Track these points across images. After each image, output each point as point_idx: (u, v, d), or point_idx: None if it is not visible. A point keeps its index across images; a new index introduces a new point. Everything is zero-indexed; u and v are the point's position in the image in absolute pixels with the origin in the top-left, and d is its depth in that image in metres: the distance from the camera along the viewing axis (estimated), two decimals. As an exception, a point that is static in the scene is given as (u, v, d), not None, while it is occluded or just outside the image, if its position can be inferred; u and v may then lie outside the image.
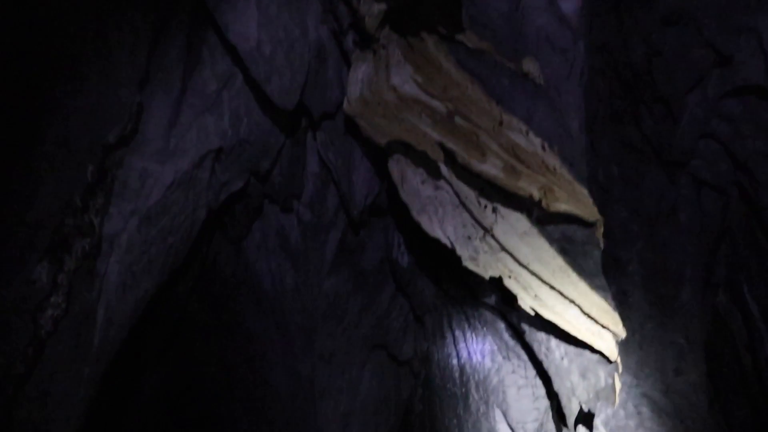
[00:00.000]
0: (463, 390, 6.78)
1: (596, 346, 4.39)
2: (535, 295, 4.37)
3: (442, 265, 6.23)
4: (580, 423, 5.18)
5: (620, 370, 4.46)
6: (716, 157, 5.09)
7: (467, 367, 6.64)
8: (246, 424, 6.72)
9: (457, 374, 6.85)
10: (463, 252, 4.50)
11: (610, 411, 4.95)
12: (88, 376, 4.34)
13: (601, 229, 4.19)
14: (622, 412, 4.98)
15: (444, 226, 4.59)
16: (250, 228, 6.19)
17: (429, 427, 7.31)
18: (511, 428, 6.15)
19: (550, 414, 5.80)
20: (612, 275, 4.95)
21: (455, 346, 6.78)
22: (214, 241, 6.39)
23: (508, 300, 4.78)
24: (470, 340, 6.50)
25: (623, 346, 4.67)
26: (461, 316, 6.52)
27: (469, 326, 6.45)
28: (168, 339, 6.59)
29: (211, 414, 7.05)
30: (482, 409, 6.53)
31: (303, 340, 6.32)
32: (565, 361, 4.85)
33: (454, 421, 6.92)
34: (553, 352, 4.95)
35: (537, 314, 4.41)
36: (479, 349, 6.40)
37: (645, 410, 5.01)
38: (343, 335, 6.49)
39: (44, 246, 3.87)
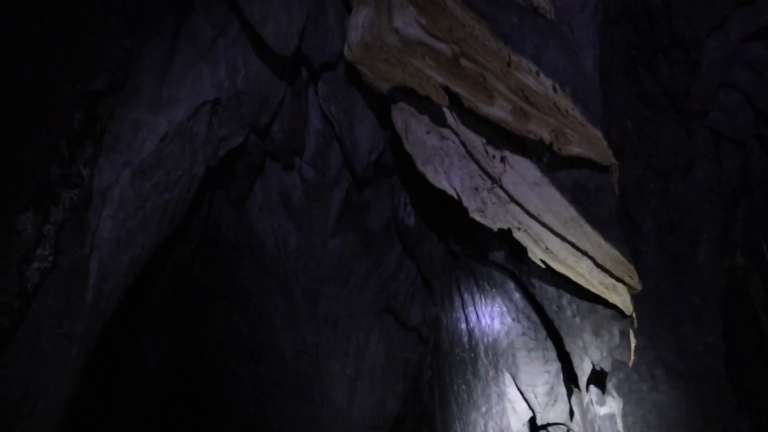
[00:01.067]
0: (472, 354, 6.52)
1: (610, 300, 4.12)
2: (546, 248, 4.09)
3: (450, 224, 5.97)
4: (592, 384, 4.93)
5: (636, 324, 4.18)
6: (737, 108, 4.79)
7: (476, 330, 6.38)
8: (252, 388, 6.52)
9: (465, 339, 6.59)
10: (470, 203, 4.23)
11: (622, 374, 4.71)
12: (81, 334, 4.11)
13: (617, 174, 3.90)
14: (635, 376, 4.73)
15: (450, 176, 4.31)
16: (251, 188, 5.93)
17: (438, 394, 7.08)
18: (521, 392, 5.89)
19: (561, 376, 5.54)
20: (626, 234, 4.68)
21: (464, 310, 6.52)
22: (216, 203, 6.14)
23: (518, 254, 4.51)
24: (479, 303, 6.24)
25: (636, 307, 4.41)
26: (470, 279, 6.25)
27: (477, 288, 6.18)
28: (172, 304, 6.37)
29: (216, 379, 6.86)
30: (491, 373, 6.28)
31: (307, 303, 6.09)
32: (577, 319, 4.58)
33: (463, 386, 6.68)
34: (565, 310, 4.69)
35: (548, 267, 4.14)
36: (488, 312, 6.14)
37: (659, 373, 4.75)
38: (348, 298, 6.26)
39: (29, 195, 3.63)
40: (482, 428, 6.46)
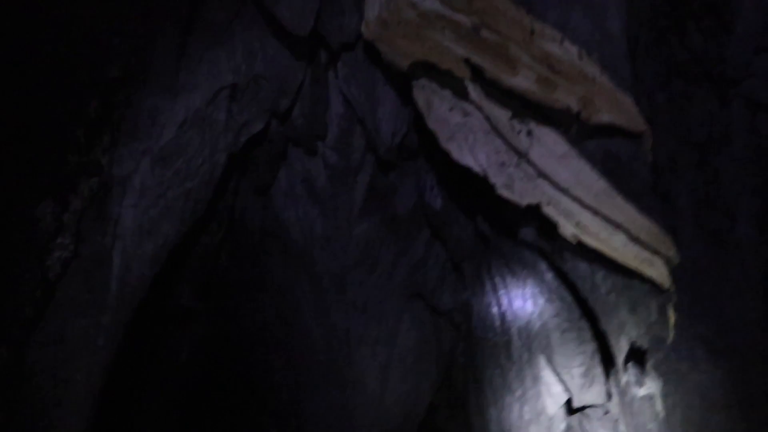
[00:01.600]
0: (505, 338, 6.35)
1: (647, 275, 3.91)
2: (577, 222, 3.90)
3: (478, 205, 5.79)
4: (629, 363, 4.72)
5: (674, 299, 3.97)
6: (775, 74, 4.52)
7: (508, 314, 6.20)
8: (284, 376, 6.44)
9: (497, 323, 6.42)
10: (497, 179, 4.05)
11: (661, 354, 4.49)
12: (108, 323, 4.06)
13: (650, 141, 3.68)
14: (674, 355, 4.50)
15: (475, 153, 4.13)
16: (275, 176, 5.82)
17: (472, 380, 6.91)
18: (557, 374, 5.70)
19: (597, 357, 5.34)
20: (660, 211, 4.47)
21: (495, 294, 6.34)
22: (241, 193, 6.05)
23: (548, 231, 4.32)
24: (510, 286, 6.05)
25: (674, 283, 4.20)
26: (500, 261, 6.07)
27: (508, 271, 6.00)
28: (201, 295, 6.32)
29: (248, 370, 6.80)
30: (525, 356, 6.10)
31: (335, 290, 5.98)
32: (613, 296, 4.37)
33: (497, 371, 6.50)
34: (599, 287, 4.48)
35: (580, 243, 3.94)
36: (520, 294, 5.95)
37: (699, 352, 4.51)
38: (377, 284, 6.12)
39: (46, 184, 3.57)
40: (517, 412, 6.28)
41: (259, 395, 7.06)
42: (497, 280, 6.24)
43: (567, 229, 3.94)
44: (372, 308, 6.14)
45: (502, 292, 6.23)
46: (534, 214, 4.16)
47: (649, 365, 4.54)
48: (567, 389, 5.65)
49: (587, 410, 5.59)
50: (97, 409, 4.09)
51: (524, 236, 5.15)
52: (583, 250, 4.15)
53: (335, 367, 6.14)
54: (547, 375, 5.87)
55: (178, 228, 4.66)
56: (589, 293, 4.64)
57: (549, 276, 5.46)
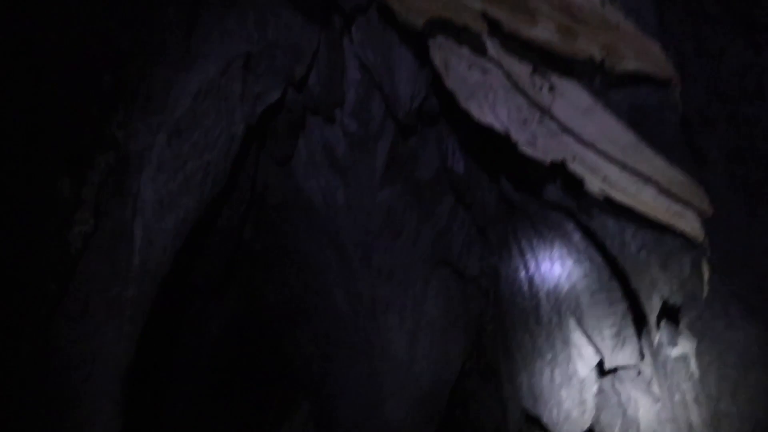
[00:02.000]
0: (534, 302, 6.23)
1: (678, 228, 3.74)
2: (604, 177, 3.74)
3: (502, 167, 5.64)
4: (662, 322, 4.57)
5: (708, 253, 3.80)
6: (812, 17, 4.26)
7: (536, 277, 6.07)
8: (313, 348, 6.41)
9: (525, 287, 6.29)
10: (520, 136, 3.89)
11: (695, 312, 4.33)
12: (132, 298, 4.03)
13: (679, 89, 3.49)
14: (708, 313, 4.33)
15: (496, 111, 3.98)
16: (295, 146, 5.72)
17: (501, 346, 6.82)
18: (587, 336, 5.58)
19: (629, 317, 5.20)
20: (691, 162, 4.27)
21: (522, 258, 6.21)
22: (263, 166, 5.97)
23: (574, 189, 4.17)
24: (537, 249, 5.91)
25: (707, 239, 4.02)
26: (526, 224, 5.92)
27: (535, 233, 5.86)
28: (228, 269, 6.29)
29: (278, 342, 6.79)
30: (555, 319, 5.98)
31: (360, 258, 5.89)
32: (643, 254, 4.22)
33: (527, 336, 6.40)
34: (629, 245, 4.33)
35: (607, 198, 3.79)
36: (547, 257, 5.81)
37: (734, 309, 4.33)
38: (401, 251, 6.03)
39: (63, 159, 3.51)
40: (548, 376, 6.19)
41: (289, 368, 7.06)
42: (524, 243, 6.10)
43: (594, 185, 3.78)
44: (398, 276, 6.05)
45: (529, 255, 6.09)
46: (559, 171, 4.01)
47: (682, 324, 4.39)
48: (598, 351, 5.52)
49: (619, 372, 5.47)
50: (126, 384, 4.09)
51: (550, 196, 5.00)
52: (611, 207, 4.00)
53: (362, 336, 6.09)
54: (578, 337, 5.75)
55: (198, 201, 4.60)
56: (618, 251, 4.49)
57: (577, 236, 5.31)
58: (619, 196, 3.75)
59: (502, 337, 6.70)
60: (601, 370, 5.65)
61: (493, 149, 5.41)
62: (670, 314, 4.49)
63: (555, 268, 5.75)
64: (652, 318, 4.52)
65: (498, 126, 3.96)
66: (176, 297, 5.61)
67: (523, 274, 6.29)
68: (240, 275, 6.57)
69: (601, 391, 5.77)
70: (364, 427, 6.33)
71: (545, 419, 6.12)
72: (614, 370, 5.48)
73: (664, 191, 3.62)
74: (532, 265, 6.08)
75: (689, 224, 3.69)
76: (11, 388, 3.38)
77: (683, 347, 4.44)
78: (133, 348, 4.11)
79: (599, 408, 5.78)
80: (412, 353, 6.27)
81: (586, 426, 5.87)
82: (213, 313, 6.64)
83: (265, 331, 6.81)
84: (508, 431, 6.63)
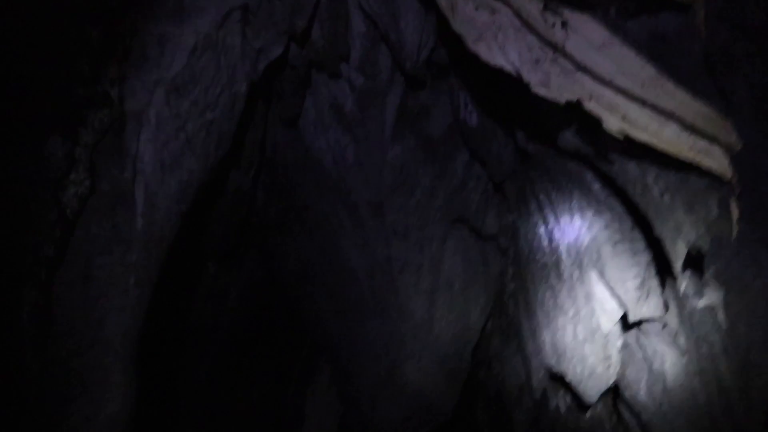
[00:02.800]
0: (554, 258, 5.98)
1: (704, 166, 3.47)
2: (624, 116, 3.47)
3: (516, 118, 5.36)
4: (688, 271, 4.32)
5: (737, 190, 3.52)
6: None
7: (555, 231, 5.82)
8: (330, 311, 6.25)
9: (545, 242, 6.05)
10: (532, 77, 3.63)
11: (722, 261, 4.08)
12: (137, 262, 3.87)
13: (702, 12, 3.20)
14: (736, 262, 4.08)
15: (506, 52, 3.71)
16: (302, 104, 5.49)
17: (522, 305, 6.60)
18: (610, 289, 5.34)
19: (653, 267, 4.94)
20: (716, 93, 3.97)
21: (540, 212, 5.96)
22: (271, 128, 5.75)
23: (592, 134, 3.91)
24: (556, 202, 5.65)
25: (736, 175, 3.73)
26: (543, 177, 5.66)
27: (553, 186, 5.59)
28: (241, 235, 6.13)
29: (295, 308, 6.64)
30: (576, 274, 5.73)
31: (373, 217, 5.67)
32: (667, 197, 3.95)
33: (548, 292, 6.17)
34: (651, 189, 4.06)
35: (627, 138, 3.52)
36: (566, 210, 5.55)
37: (764, 256, 4.07)
38: (416, 209, 5.80)
39: (54, 118, 3.34)
40: (572, 333, 5.97)
41: (309, 335, 6.93)
42: (542, 197, 5.84)
43: (612, 125, 3.52)
44: (413, 235, 5.84)
45: (547, 209, 5.83)
46: (575, 112, 3.74)
47: (708, 274, 4.14)
48: (622, 304, 5.29)
49: (644, 325, 5.23)
50: (138, 350, 3.96)
51: (567, 144, 4.73)
52: (631, 148, 3.73)
53: (380, 297, 5.90)
54: (600, 291, 5.51)
55: (203, 163, 4.42)
56: (640, 197, 4.23)
57: (596, 186, 5.04)
58: (639, 135, 3.48)
59: (524, 295, 6.48)
60: (626, 324, 5.42)
61: (507, 99, 5.14)
62: (696, 263, 4.24)
63: (575, 220, 5.49)
64: (677, 267, 4.28)
65: (509, 67, 3.70)
66: (188, 264, 5.46)
67: (542, 229, 6.04)
68: (254, 240, 6.41)
69: (625, 346, 5.54)
70: (385, 389, 6.18)
71: (569, 376, 5.91)
72: (639, 324, 5.25)
73: (688, 127, 3.34)
74: (551, 219, 5.82)
75: (716, 161, 3.42)
76: (13, 356, 3.26)
77: (710, 297, 4.21)
78: (141, 315, 3.97)
79: (624, 363, 5.56)
80: (431, 314, 6.08)
81: (611, 382, 5.66)
82: (229, 279, 6.50)
83: (283, 296, 6.67)
84: (532, 390, 6.45)
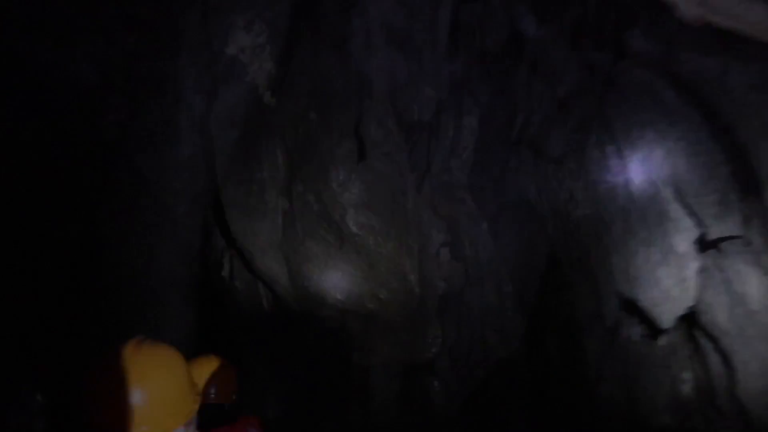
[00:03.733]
0: (623, 177, 5.54)
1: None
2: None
3: (580, 25, 4.88)
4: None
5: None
6: None
7: (625, 148, 5.34)
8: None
9: (615, 161, 5.59)
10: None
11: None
12: (185, 189, 3.76)
13: None
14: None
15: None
16: (349, 25, 5.14)
17: (591, 231, 6.19)
18: (686, 206, 4.90)
19: (734, 180, 4.45)
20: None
21: (607, 129, 5.49)
22: (321, 52, 5.43)
23: (663, 19, 3.44)
24: (625, 114, 5.17)
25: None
26: (610, 90, 5.18)
27: (621, 99, 5.12)
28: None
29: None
30: (648, 192, 5.29)
31: (429, 139, 5.33)
32: (753, 95, 3.50)
33: (618, 216, 5.76)
34: (733, 88, 3.60)
35: (707, 25, 3.06)
36: (637, 122, 5.06)
37: None
38: (474, 129, 5.41)
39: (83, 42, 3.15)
40: (643, 256, 5.56)
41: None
42: (609, 112, 5.36)
43: (689, 10, 3.06)
44: (472, 156, 5.47)
45: (616, 125, 5.35)
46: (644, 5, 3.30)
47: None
48: (699, 222, 4.85)
49: (723, 244, 4.80)
50: (196, 273, 3.89)
51: (634, 47, 4.25)
52: (709, 41, 3.27)
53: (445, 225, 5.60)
54: (675, 209, 5.06)
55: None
56: (719, 100, 3.77)
57: (669, 94, 4.55)
58: (720, 20, 3.02)
59: (592, 218, 6.08)
60: (703, 244, 4.99)
61: (568, 3, 4.66)
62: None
63: (646, 134, 5.01)
64: (763, 175, 3.83)
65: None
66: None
67: (610, 148, 5.57)
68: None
69: (703, 270, 5.10)
70: (453, 313, 5.94)
71: (643, 302, 5.54)
72: (718, 243, 4.82)
73: (780, 5, 2.86)
74: (620, 136, 5.35)
75: (813, 44, 2.93)
76: (66, 275, 3.16)
77: (800, 210, 3.75)
78: (199, 234, 3.88)
79: (702, 286, 5.13)
80: (494, 236, 5.75)
81: (689, 305, 5.26)
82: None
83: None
84: (603, 317, 6.11)
